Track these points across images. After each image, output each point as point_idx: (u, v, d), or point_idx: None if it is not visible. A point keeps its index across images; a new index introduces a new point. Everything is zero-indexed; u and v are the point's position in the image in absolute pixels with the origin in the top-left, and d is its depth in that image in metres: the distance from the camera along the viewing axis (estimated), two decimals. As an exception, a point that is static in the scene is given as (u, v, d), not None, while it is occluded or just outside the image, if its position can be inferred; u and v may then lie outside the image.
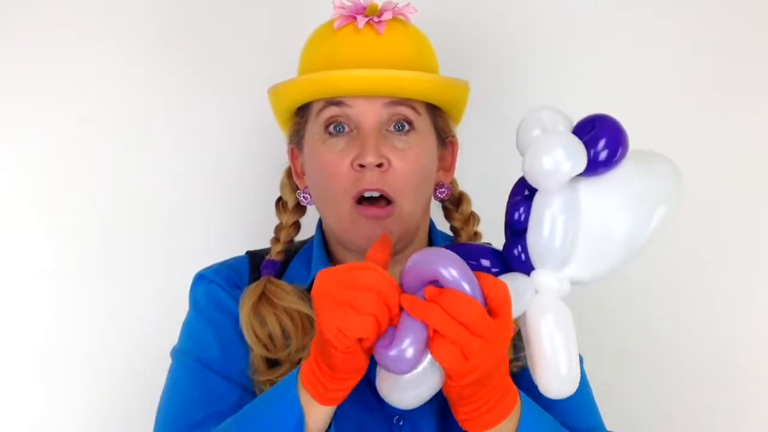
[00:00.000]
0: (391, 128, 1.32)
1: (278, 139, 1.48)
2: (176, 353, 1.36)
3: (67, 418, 1.78)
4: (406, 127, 1.32)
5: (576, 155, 1.05)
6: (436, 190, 1.41)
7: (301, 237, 1.46)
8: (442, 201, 1.45)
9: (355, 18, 1.35)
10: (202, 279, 1.40)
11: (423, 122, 1.34)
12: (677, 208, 1.10)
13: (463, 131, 1.45)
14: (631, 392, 1.81)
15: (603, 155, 1.06)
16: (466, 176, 1.49)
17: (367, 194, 1.29)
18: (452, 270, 1.02)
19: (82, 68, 1.81)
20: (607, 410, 1.38)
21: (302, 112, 1.38)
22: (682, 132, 1.80)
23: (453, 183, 1.46)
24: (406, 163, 1.30)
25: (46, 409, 1.78)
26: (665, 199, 1.10)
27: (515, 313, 1.07)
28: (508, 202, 1.13)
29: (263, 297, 1.33)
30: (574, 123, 1.10)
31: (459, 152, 1.43)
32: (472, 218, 1.45)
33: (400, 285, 1.05)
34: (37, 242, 1.80)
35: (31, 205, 1.80)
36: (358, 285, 1.01)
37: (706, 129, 1.82)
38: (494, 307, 1.02)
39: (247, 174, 1.83)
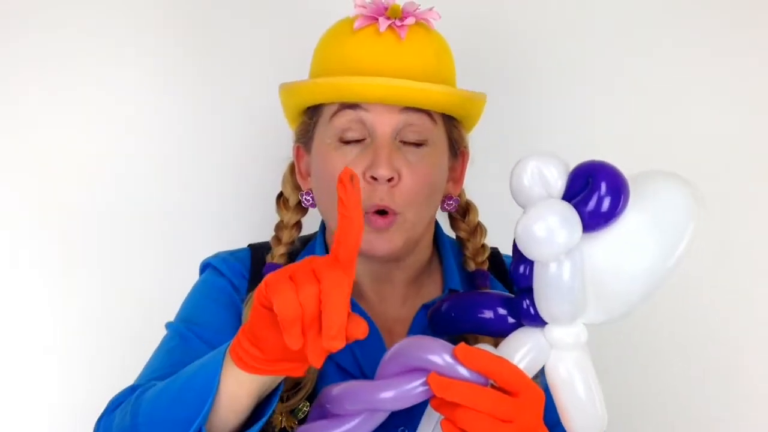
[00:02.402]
0: (405, 140, 1.28)
1: (278, 139, 1.47)
2: (168, 324, 1.34)
3: (66, 418, 1.79)
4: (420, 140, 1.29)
5: (570, 226, 1.01)
6: (444, 201, 1.38)
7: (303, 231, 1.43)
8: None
9: (376, 19, 1.30)
10: (208, 267, 1.38)
11: (438, 132, 1.31)
12: (698, 220, 1.06)
13: (473, 138, 1.43)
14: (634, 391, 1.83)
15: (604, 208, 1.02)
16: (477, 184, 1.47)
17: (376, 210, 1.26)
18: (446, 356, 1.00)
19: (85, 68, 1.78)
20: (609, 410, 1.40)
21: (312, 112, 1.34)
22: (702, 143, 1.81)
23: (460, 192, 1.43)
24: (417, 178, 1.27)
25: (44, 408, 1.79)
26: (681, 222, 1.05)
27: (535, 368, 1.08)
28: (513, 251, 1.10)
29: None
30: (570, 167, 1.06)
31: (470, 161, 1.41)
32: (479, 229, 1.42)
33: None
34: (39, 241, 1.78)
35: (33, 204, 1.78)
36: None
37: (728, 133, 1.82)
38: (509, 388, 1.01)
39: (247, 174, 1.80)
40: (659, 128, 1.81)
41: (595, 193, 1.01)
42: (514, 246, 1.08)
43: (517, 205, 1.08)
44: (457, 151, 1.37)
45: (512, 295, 1.13)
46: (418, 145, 1.28)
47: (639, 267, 1.04)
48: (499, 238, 1.43)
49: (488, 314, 1.13)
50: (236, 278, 1.35)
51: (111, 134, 1.79)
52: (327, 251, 1.38)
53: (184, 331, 1.30)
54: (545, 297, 1.05)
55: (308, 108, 1.34)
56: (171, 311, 1.38)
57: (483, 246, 1.41)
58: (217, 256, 1.39)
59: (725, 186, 1.80)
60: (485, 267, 1.39)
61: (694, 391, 1.82)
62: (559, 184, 1.04)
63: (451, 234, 1.46)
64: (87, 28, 1.77)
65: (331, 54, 1.33)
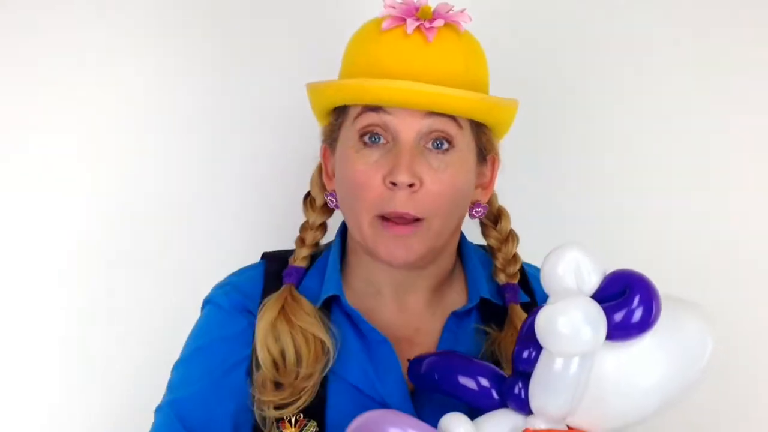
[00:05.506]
0: (429, 145, 1.25)
1: (303, 139, 1.43)
2: (161, 408, 1.31)
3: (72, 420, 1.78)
4: (445, 145, 1.25)
5: (597, 330, 0.99)
6: (471, 208, 1.33)
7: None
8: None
9: (404, 20, 1.25)
10: (208, 304, 1.35)
11: (464, 138, 1.27)
12: (709, 361, 1.06)
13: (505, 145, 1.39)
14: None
15: (634, 320, 1.00)
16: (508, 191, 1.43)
17: (395, 216, 1.24)
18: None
19: (101, 67, 1.75)
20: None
21: (338, 113, 1.30)
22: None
23: (492, 198, 1.39)
24: (440, 185, 1.23)
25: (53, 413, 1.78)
26: (696, 357, 1.05)
27: None
28: (521, 331, 1.09)
29: (282, 313, 1.28)
30: (606, 271, 1.04)
31: (500, 168, 1.36)
32: (511, 237, 1.38)
33: None
34: (52, 239, 1.76)
35: (49, 202, 1.76)
36: None
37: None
38: None
39: (272, 173, 1.77)
40: (692, 132, 1.80)
41: (629, 305, 0.99)
42: (524, 327, 1.07)
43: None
44: (485, 156, 1.33)
45: (502, 372, 1.12)
46: (442, 150, 1.25)
47: (643, 387, 1.03)
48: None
49: (472, 384, 1.11)
50: (238, 311, 1.32)
51: (131, 133, 1.76)
52: (343, 254, 1.36)
53: (175, 423, 1.28)
54: (543, 388, 1.03)
55: (335, 108, 1.31)
56: (189, 314, 1.37)
57: (515, 256, 1.37)
58: (222, 287, 1.36)
59: (724, 186, 1.81)
60: (516, 280, 1.36)
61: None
62: (593, 281, 1.02)
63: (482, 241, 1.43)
64: (105, 26, 1.74)
65: (357, 55, 1.29)
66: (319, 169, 1.37)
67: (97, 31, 1.75)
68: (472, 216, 1.35)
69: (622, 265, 1.07)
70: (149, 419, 1.33)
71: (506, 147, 1.39)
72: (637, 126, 1.81)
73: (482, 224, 1.41)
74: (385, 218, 1.24)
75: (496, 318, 1.33)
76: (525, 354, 1.06)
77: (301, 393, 1.25)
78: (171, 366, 1.34)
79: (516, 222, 1.42)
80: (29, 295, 1.76)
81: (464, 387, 1.12)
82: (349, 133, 1.27)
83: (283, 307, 1.28)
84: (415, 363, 1.19)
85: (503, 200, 1.42)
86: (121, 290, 1.78)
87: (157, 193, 1.78)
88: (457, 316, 1.33)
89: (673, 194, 1.82)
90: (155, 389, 1.35)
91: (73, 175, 1.76)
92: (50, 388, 1.78)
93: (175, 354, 1.35)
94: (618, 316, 1.00)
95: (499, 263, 1.37)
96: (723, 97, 1.80)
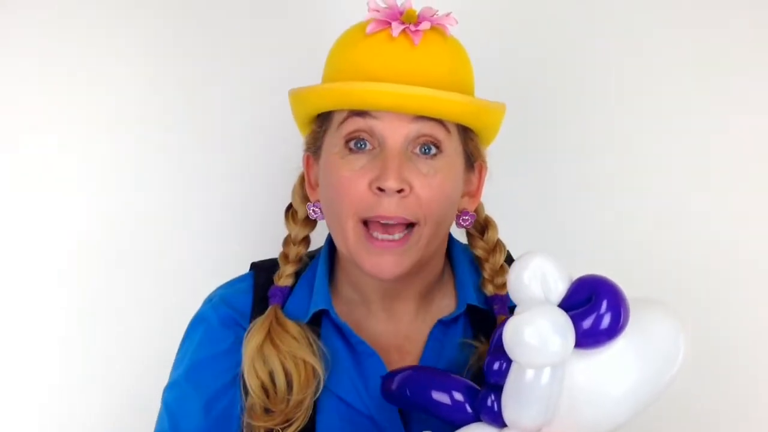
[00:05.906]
0: (417, 150, 1.22)
1: (287, 148, 1.42)
2: None
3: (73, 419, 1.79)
4: (433, 150, 1.22)
5: (565, 340, 0.97)
6: (459, 217, 1.30)
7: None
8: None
9: (389, 24, 1.23)
10: (197, 319, 1.34)
11: (452, 143, 1.24)
12: (683, 361, 1.03)
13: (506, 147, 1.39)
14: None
15: (602, 327, 0.98)
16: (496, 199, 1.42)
17: (382, 221, 1.21)
18: None
19: (94, 69, 1.75)
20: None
21: (322, 120, 1.28)
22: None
23: (478, 207, 1.36)
24: (430, 190, 1.21)
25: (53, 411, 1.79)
26: (668, 358, 1.03)
27: None
28: (491, 342, 1.07)
29: (268, 338, 1.25)
30: (573, 278, 1.02)
31: (487, 174, 1.34)
32: (498, 247, 1.35)
33: None
34: (52, 239, 1.76)
35: (49, 202, 1.76)
36: None
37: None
38: None
39: (258, 183, 1.78)
40: (692, 132, 1.79)
41: (596, 311, 0.97)
42: (493, 339, 1.06)
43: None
44: (473, 163, 1.30)
45: (475, 385, 1.10)
46: (430, 156, 1.22)
47: (615, 395, 1.01)
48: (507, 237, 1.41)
49: (445, 399, 1.09)
50: (228, 326, 1.30)
51: (131, 133, 1.77)
52: (331, 267, 1.34)
53: None
54: (515, 400, 1.01)
55: (318, 116, 1.28)
56: (189, 314, 1.36)
57: (502, 266, 1.33)
58: (211, 301, 1.34)
59: (723, 187, 1.79)
60: (504, 291, 1.31)
61: (694, 391, 1.76)
62: (560, 289, 1.00)
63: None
64: (105, 27, 1.75)
65: (341, 59, 1.26)
66: (301, 180, 1.35)
67: (97, 31, 1.75)
68: (459, 225, 1.32)
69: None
70: (149, 419, 1.33)
71: (507, 148, 1.39)
72: (637, 126, 1.80)
73: (469, 234, 1.37)
74: (369, 230, 1.21)
75: (485, 325, 1.30)
76: (496, 366, 1.04)
77: (293, 420, 1.23)
78: (170, 366, 1.34)
79: (516, 223, 1.42)
80: (29, 295, 1.77)
81: (437, 402, 1.10)
82: (333, 139, 1.24)
83: (269, 332, 1.25)
84: (387, 379, 1.16)
85: (504, 202, 1.42)
86: (121, 290, 1.78)
87: (157, 193, 1.79)
88: (443, 324, 1.30)
89: (673, 194, 1.81)
90: (155, 389, 1.34)
91: (73, 175, 1.77)
92: (50, 388, 1.78)
93: (175, 354, 1.36)
94: (586, 323, 0.98)
95: (486, 274, 1.33)
96: (723, 97, 1.79)
